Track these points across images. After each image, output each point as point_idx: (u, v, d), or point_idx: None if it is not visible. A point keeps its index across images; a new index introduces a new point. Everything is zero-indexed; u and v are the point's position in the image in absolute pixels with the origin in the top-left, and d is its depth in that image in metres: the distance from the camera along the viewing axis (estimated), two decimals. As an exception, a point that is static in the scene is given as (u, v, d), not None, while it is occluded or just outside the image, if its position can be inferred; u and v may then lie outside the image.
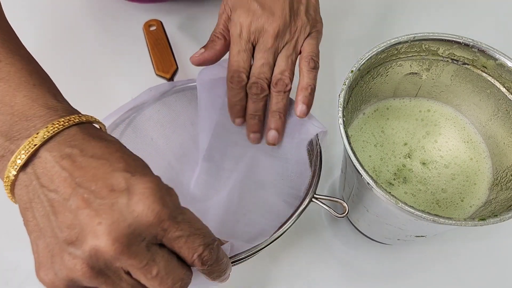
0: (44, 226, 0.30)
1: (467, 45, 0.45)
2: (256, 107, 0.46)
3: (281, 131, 0.47)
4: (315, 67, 0.45)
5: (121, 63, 0.71)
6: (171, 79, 0.60)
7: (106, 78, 0.70)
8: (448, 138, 0.50)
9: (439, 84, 0.50)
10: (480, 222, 0.36)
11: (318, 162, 0.45)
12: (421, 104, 0.52)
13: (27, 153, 0.30)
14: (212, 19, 0.75)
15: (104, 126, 0.36)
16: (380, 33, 0.73)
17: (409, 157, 0.49)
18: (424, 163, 0.48)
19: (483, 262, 0.55)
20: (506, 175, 0.46)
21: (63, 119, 0.31)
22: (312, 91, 0.45)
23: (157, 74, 0.62)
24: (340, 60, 0.70)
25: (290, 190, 0.47)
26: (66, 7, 0.77)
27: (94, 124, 0.34)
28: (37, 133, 0.30)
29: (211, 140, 0.52)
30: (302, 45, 0.46)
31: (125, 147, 0.33)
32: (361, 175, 0.39)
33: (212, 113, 0.51)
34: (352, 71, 0.44)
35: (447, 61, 0.48)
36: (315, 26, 0.47)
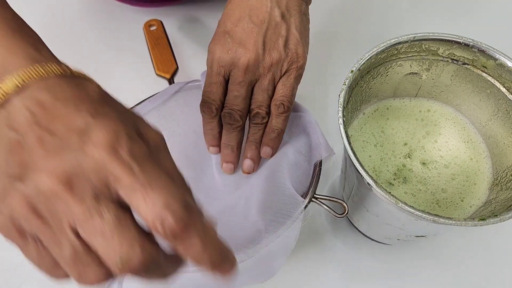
0: (1, 165, 0.27)
1: (467, 45, 0.45)
2: (229, 137, 0.46)
3: (257, 161, 0.47)
4: (284, 112, 0.44)
5: (121, 63, 0.71)
6: (171, 79, 0.60)
7: (106, 78, 0.68)
8: (448, 138, 0.50)
9: (439, 84, 0.50)
10: (480, 222, 0.36)
11: (318, 162, 0.45)
12: (421, 104, 0.52)
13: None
14: (212, 19, 0.75)
15: (86, 75, 0.32)
16: (380, 33, 0.73)
17: (409, 157, 0.49)
18: (424, 163, 0.48)
19: (483, 262, 0.55)
20: (506, 175, 0.46)
21: (38, 66, 0.29)
22: (279, 134, 0.45)
23: (157, 74, 0.62)
24: (340, 60, 0.70)
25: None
26: (66, 7, 0.77)
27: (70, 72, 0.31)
28: (11, 79, 0.28)
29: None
30: (278, 81, 0.44)
31: (106, 95, 0.31)
32: (361, 175, 0.39)
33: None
34: (352, 71, 0.44)
35: (447, 61, 0.48)
36: (295, 62, 0.44)
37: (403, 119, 0.51)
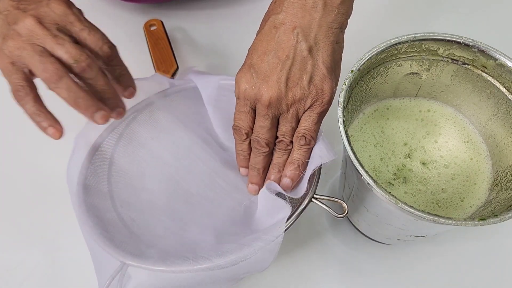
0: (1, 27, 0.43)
1: (467, 45, 0.45)
2: (256, 160, 0.48)
3: (278, 183, 0.48)
4: (305, 144, 0.45)
5: None
6: (171, 78, 0.60)
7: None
8: (448, 138, 0.50)
9: (439, 84, 0.50)
10: (480, 222, 0.36)
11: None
12: (421, 104, 0.52)
13: None
14: (212, 19, 0.75)
15: None
16: (380, 33, 0.73)
17: (409, 157, 0.49)
18: (424, 163, 0.48)
19: (483, 262, 0.55)
20: (506, 175, 0.46)
21: None
22: (299, 166, 0.46)
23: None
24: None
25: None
26: None
27: None
28: None
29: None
30: (302, 115, 0.45)
31: None
32: (361, 175, 0.39)
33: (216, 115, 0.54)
34: (352, 71, 0.44)
35: (447, 61, 0.48)
36: (320, 98, 0.43)
37: (403, 119, 0.51)
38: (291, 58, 0.42)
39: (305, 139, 0.44)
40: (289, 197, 0.45)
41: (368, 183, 0.38)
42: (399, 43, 0.46)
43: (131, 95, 0.50)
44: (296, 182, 0.46)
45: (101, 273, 0.43)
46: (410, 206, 0.37)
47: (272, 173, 0.48)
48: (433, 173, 0.48)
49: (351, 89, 0.44)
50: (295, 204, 0.44)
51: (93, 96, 0.44)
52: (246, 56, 0.45)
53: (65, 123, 0.59)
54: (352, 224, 0.55)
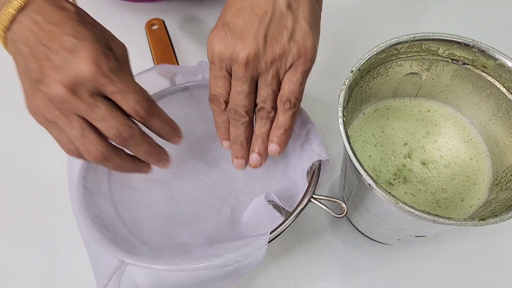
0: (24, 71, 0.40)
1: (467, 45, 0.45)
2: (237, 132, 0.45)
3: (264, 156, 0.46)
4: (290, 107, 0.43)
5: None
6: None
7: None
8: (448, 138, 0.50)
9: (439, 84, 0.50)
10: (480, 222, 0.36)
11: (317, 162, 0.45)
12: (421, 104, 0.52)
13: (8, 18, 0.39)
14: (214, 19, 0.75)
15: None
16: (380, 33, 0.73)
17: (409, 157, 0.49)
18: (424, 163, 0.48)
19: (483, 262, 0.55)
20: (506, 175, 0.46)
21: None
22: (286, 131, 0.44)
23: (158, 73, 0.61)
24: (340, 60, 0.69)
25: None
26: None
27: None
28: (13, 3, 0.38)
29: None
30: (283, 76, 0.43)
31: (81, 15, 0.41)
32: (361, 175, 0.38)
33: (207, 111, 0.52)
34: (352, 71, 0.44)
35: (447, 61, 0.48)
36: (302, 56, 0.41)
37: (403, 119, 0.51)
38: (270, 13, 0.40)
39: (290, 102, 0.42)
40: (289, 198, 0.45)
41: (368, 183, 0.38)
42: (399, 43, 0.45)
43: (177, 142, 0.46)
44: (292, 200, 0.45)
45: (99, 271, 0.43)
46: (410, 206, 0.37)
47: (256, 145, 0.46)
48: (433, 173, 0.48)
49: (351, 89, 0.44)
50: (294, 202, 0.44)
51: (137, 160, 0.44)
52: (220, 15, 0.43)
53: None
54: (352, 224, 0.55)
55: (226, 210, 0.51)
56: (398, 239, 0.50)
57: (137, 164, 0.44)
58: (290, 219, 0.42)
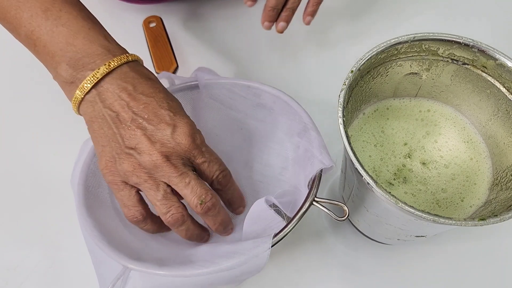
0: (110, 135, 0.42)
1: (467, 45, 0.45)
2: (277, 2, 0.59)
3: (288, 22, 0.62)
4: None
5: None
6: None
7: None
8: (448, 138, 0.50)
9: (439, 84, 0.50)
10: (480, 222, 0.36)
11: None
12: (421, 104, 0.52)
13: (92, 82, 0.41)
14: (212, 16, 0.75)
15: (142, 60, 0.47)
16: (380, 33, 0.73)
17: (409, 157, 0.49)
18: (424, 163, 0.48)
19: (483, 262, 0.55)
20: (506, 175, 0.46)
21: (117, 58, 0.42)
22: (319, 3, 0.62)
23: (157, 72, 0.61)
24: (340, 60, 0.69)
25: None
26: None
27: (137, 61, 0.45)
28: (99, 68, 0.41)
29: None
30: None
31: (164, 87, 0.45)
32: (361, 176, 0.39)
33: (208, 115, 0.55)
34: (352, 71, 0.44)
35: (447, 61, 0.48)
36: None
37: (403, 119, 0.51)
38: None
39: None
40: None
41: (368, 183, 0.38)
42: (399, 43, 0.45)
43: (240, 213, 0.52)
44: (294, 205, 0.45)
45: (103, 277, 0.43)
46: (410, 206, 0.37)
47: (284, 16, 0.61)
48: (433, 173, 0.48)
49: (351, 89, 0.44)
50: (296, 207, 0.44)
51: (204, 230, 0.48)
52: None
53: (69, 127, 0.60)
54: (352, 224, 0.55)
55: (230, 215, 0.51)
56: (398, 239, 0.50)
57: (203, 233, 0.48)
58: (292, 222, 0.42)
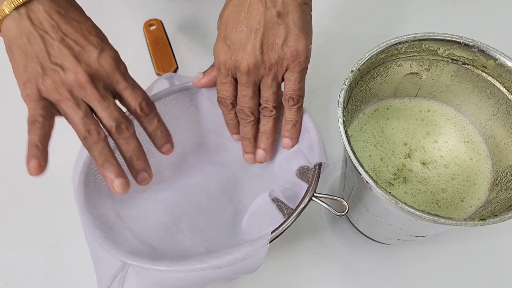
0: (37, 51, 0.42)
1: (467, 45, 0.45)
2: (245, 130, 0.50)
3: (268, 150, 0.51)
4: (295, 104, 0.47)
5: None
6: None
7: None
8: (448, 138, 0.50)
9: (439, 84, 0.50)
10: (480, 222, 0.36)
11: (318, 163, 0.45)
12: (421, 104, 0.52)
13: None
14: (212, 19, 0.75)
15: None
16: (380, 33, 0.73)
17: (409, 157, 0.49)
18: (424, 163, 0.48)
19: (483, 262, 0.55)
20: (506, 175, 0.46)
21: None
22: (294, 125, 0.48)
23: (157, 74, 0.62)
24: (340, 60, 0.69)
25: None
26: None
27: None
28: None
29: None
30: (283, 77, 0.47)
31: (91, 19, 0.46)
32: (361, 175, 0.39)
33: (212, 114, 0.54)
34: (352, 71, 0.44)
35: (447, 61, 0.48)
36: (296, 58, 0.45)
37: (403, 119, 0.51)
38: (262, 25, 0.44)
39: (293, 99, 0.46)
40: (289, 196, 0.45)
41: (367, 182, 0.38)
42: (399, 43, 0.46)
43: (168, 151, 0.50)
44: (295, 199, 0.45)
45: (102, 273, 0.43)
46: (410, 206, 0.37)
47: (262, 142, 0.50)
48: (433, 173, 0.48)
49: (351, 89, 0.44)
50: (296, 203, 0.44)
51: (118, 165, 0.45)
52: (219, 27, 0.48)
53: (69, 126, 0.60)
54: (352, 224, 0.55)
55: (230, 210, 0.52)
56: (398, 239, 0.50)
57: (116, 165, 0.45)
58: (291, 218, 0.42)
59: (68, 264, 0.56)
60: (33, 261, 0.56)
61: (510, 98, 0.46)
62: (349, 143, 0.40)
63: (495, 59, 0.45)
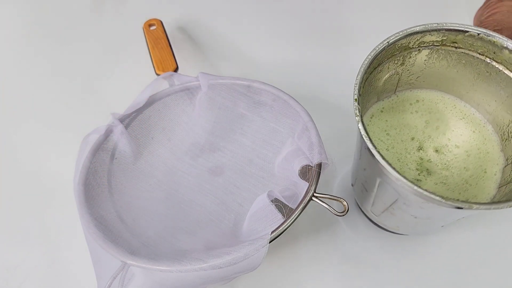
0: None
1: (434, 30, 0.47)
2: None
3: None
4: None
5: (121, 63, 0.72)
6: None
7: (106, 78, 0.71)
8: (445, 121, 0.51)
9: (414, 72, 0.51)
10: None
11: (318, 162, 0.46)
12: (406, 97, 0.53)
13: None
14: (212, 18, 0.74)
15: None
16: (380, 34, 0.74)
17: (421, 150, 0.50)
18: (437, 150, 0.49)
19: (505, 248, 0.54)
20: (508, 128, 0.47)
21: None
22: None
23: (157, 74, 0.62)
24: (340, 60, 0.70)
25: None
26: (65, 7, 0.78)
27: None
28: None
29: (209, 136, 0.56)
30: None
31: None
32: (400, 183, 0.38)
33: (209, 113, 0.56)
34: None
35: (418, 49, 0.49)
36: None
37: (400, 116, 0.52)
38: None
39: None
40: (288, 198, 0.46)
41: (411, 187, 0.38)
42: (377, 54, 0.46)
43: None
44: (295, 199, 0.46)
45: (102, 273, 0.43)
46: (456, 200, 0.36)
47: None
48: (449, 156, 0.49)
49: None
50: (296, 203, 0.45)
51: None
52: None
53: (69, 125, 0.63)
54: (367, 216, 0.55)
55: (230, 218, 0.52)
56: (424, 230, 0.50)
57: None
58: (291, 218, 0.42)
59: (68, 264, 0.55)
60: (33, 261, 0.55)
61: (483, 59, 0.47)
62: (370, 141, 0.39)
63: (464, 32, 0.46)
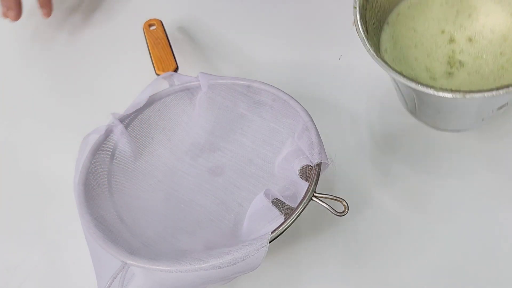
0: None
1: None
2: None
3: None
4: None
5: (120, 63, 0.72)
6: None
7: (105, 78, 0.71)
8: (478, 6, 0.49)
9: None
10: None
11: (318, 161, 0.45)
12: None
13: None
14: (212, 18, 0.74)
15: None
16: None
17: (453, 41, 0.48)
18: (470, 39, 0.47)
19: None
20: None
21: None
22: None
23: (157, 74, 0.62)
24: (339, 60, 0.67)
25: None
26: (65, 7, 0.78)
27: None
28: None
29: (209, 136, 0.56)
30: None
31: None
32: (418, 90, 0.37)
33: (209, 113, 0.55)
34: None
35: None
36: None
37: (428, 10, 0.50)
38: None
39: None
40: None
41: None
42: None
43: (45, 15, 0.64)
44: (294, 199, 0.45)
45: (102, 273, 0.44)
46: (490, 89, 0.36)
47: None
48: (483, 43, 0.47)
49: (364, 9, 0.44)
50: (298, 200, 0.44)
51: None
52: None
53: (69, 125, 0.63)
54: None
55: (230, 218, 0.52)
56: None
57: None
58: (291, 218, 0.42)
59: (68, 264, 0.55)
60: (33, 261, 0.56)
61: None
62: (392, 67, 0.39)
63: None
